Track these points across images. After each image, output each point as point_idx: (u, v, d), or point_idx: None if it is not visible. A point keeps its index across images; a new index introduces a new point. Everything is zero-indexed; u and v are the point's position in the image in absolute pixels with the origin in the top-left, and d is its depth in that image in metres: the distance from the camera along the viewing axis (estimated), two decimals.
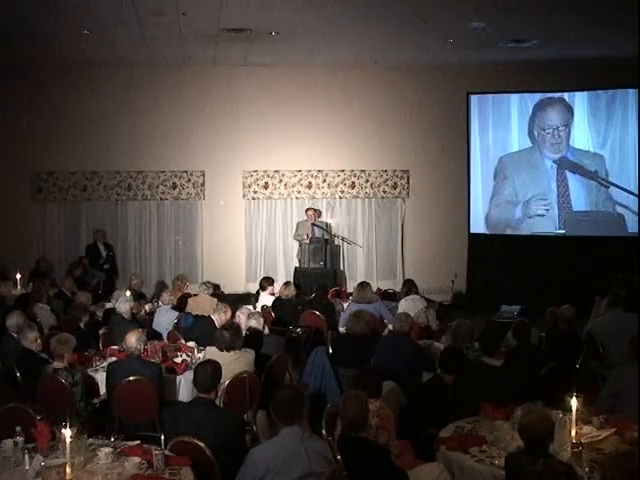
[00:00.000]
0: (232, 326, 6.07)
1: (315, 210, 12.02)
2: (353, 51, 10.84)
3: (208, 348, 6.09)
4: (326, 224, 12.14)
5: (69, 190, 11.94)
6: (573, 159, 11.32)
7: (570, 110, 11.35)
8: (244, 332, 6.44)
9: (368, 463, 4.01)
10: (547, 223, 11.46)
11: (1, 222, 11.51)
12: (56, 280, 10.09)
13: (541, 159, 11.51)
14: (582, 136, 11.33)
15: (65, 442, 3.93)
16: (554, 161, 11.42)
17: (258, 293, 9.62)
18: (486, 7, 8.39)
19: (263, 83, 12.02)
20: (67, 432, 3.92)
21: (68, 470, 3.88)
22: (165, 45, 10.27)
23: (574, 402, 4.31)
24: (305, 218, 11.87)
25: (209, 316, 7.27)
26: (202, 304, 8.42)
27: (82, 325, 7.25)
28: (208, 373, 4.62)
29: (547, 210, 11.44)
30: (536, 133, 11.54)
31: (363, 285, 8.58)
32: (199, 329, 7.23)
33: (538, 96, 11.53)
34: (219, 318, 7.05)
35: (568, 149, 11.36)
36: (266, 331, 7.13)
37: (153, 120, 11.91)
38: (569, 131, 11.34)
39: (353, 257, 12.54)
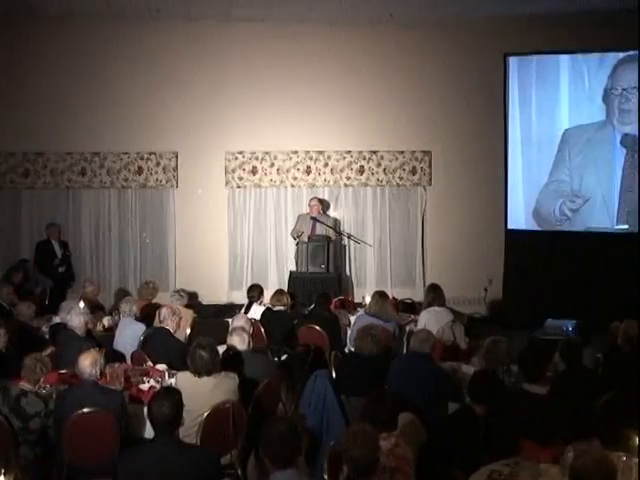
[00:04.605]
0: (208, 344, 6.04)
1: (320, 201, 12.01)
2: (362, 2, 10.82)
3: (180, 374, 6.07)
4: (329, 218, 12.12)
5: (7, 175, 11.93)
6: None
7: None
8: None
9: None
10: (602, 217, 11.40)
11: None
12: None
13: (612, 135, 11.32)
14: None
15: None
16: (624, 135, 11.26)
17: (250, 305, 9.53)
18: None
19: (250, 43, 12.02)
20: None
21: None
22: None
23: None
24: (307, 211, 11.85)
25: None
26: None
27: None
28: (165, 407, 4.50)
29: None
30: (608, 99, 11.35)
31: (383, 296, 8.63)
32: (171, 348, 7.21)
33: (596, 56, 11.44)
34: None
35: None
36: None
37: (113, 89, 11.90)
38: None
39: (362, 259, 12.59)
